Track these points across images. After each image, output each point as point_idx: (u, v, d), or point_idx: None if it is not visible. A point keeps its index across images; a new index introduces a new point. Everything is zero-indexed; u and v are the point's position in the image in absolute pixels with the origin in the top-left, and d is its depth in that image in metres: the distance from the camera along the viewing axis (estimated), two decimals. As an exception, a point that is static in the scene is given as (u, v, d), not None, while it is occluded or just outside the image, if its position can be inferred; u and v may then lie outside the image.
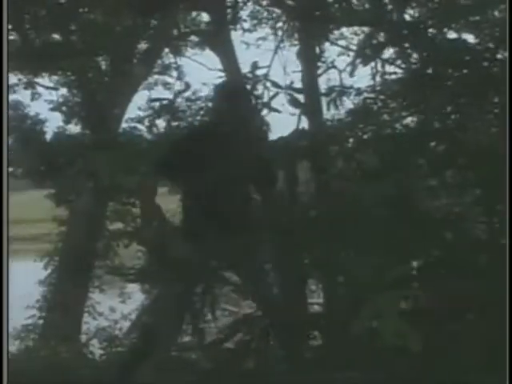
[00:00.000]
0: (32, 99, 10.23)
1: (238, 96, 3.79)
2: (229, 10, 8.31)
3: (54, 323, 8.86)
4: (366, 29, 9.21)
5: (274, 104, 3.69)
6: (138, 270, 3.73)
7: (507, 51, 3.87)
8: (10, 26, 5.10)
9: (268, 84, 3.13)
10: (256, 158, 3.68)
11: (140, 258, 10.67)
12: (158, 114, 9.89)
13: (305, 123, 8.28)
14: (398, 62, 5.78)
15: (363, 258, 2.61)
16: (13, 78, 10.17)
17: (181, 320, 2.78)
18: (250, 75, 3.06)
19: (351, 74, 4.95)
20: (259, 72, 4.71)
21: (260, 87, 3.29)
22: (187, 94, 10.81)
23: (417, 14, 6.18)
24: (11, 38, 8.14)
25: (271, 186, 3.75)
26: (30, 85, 10.09)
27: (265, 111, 3.11)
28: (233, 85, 4.46)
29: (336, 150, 4.54)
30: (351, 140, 5.52)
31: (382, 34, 5.18)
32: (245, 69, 9.12)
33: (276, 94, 3.10)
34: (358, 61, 4.52)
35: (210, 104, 10.63)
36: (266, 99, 3.18)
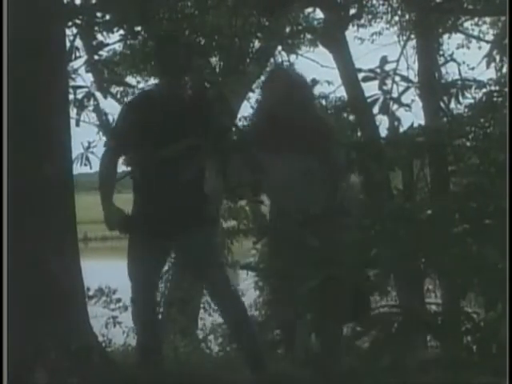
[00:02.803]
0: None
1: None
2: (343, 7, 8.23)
3: (172, 318, 9.05)
4: (488, 19, 8.99)
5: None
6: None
7: (507, 51, 3.65)
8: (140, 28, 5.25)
9: (397, 79, 3.05)
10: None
11: (254, 255, 10.78)
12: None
13: (420, 118, 8.15)
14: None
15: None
16: (131, 80, 10.50)
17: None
18: (378, 70, 2.99)
19: (488, 66, 4.79)
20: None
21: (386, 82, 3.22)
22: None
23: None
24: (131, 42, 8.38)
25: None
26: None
27: (395, 106, 3.04)
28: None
29: (460, 145, 4.39)
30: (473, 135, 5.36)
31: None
32: (358, 64, 9.12)
33: (407, 89, 3.03)
34: (494, 52, 4.36)
35: (322, 101, 10.63)
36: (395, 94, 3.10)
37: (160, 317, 9.83)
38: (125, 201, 4.21)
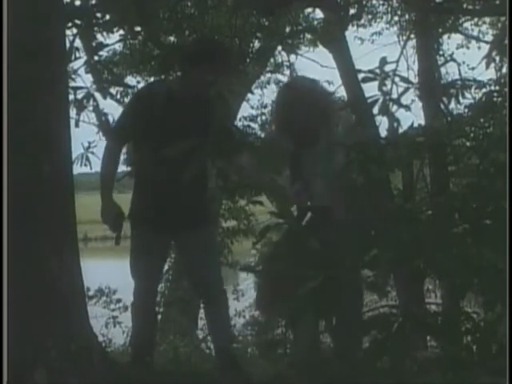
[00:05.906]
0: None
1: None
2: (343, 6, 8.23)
3: (172, 319, 9.06)
4: (487, 19, 8.99)
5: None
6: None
7: (507, 51, 3.64)
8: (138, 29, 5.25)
9: (396, 79, 3.04)
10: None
11: (254, 255, 10.80)
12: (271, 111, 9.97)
13: (420, 119, 8.15)
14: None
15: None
16: (131, 80, 10.53)
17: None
18: (377, 71, 2.99)
19: (487, 67, 4.78)
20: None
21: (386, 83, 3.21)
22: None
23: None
24: (131, 42, 8.39)
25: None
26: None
27: (394, 108, 3.03)
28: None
29: (460, 145, 4.39)
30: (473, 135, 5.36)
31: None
32: (358, 65, 9.14)
33: (406, 90, 3.02)
34: (494, 53, 4.35)
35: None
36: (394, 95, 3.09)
37: (160, 317, 9.85)
38: (125, 201, 4.21)
